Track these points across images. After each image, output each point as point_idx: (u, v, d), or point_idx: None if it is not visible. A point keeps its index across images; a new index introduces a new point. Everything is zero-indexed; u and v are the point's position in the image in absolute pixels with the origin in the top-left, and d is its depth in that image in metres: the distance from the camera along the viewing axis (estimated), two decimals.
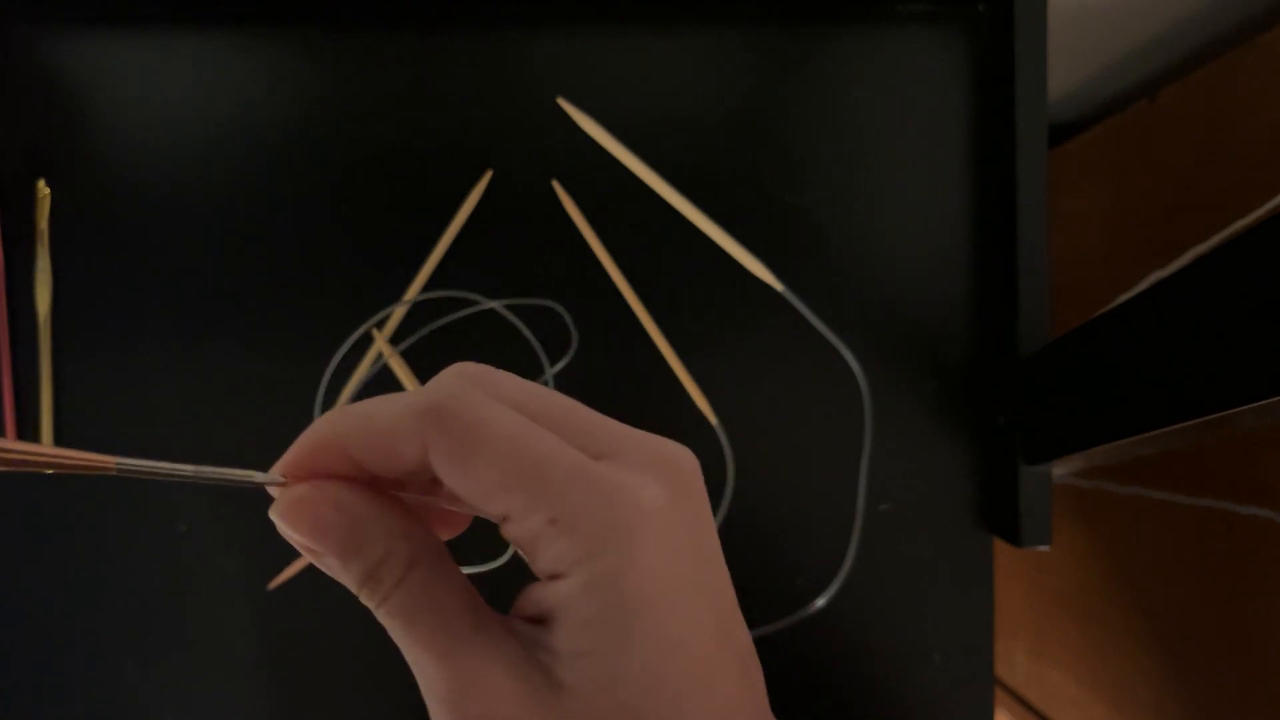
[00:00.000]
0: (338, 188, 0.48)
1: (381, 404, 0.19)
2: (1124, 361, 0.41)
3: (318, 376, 0.47)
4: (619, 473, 0.18)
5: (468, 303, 0.47)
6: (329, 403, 0.46)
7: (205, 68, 0.47)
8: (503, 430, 0.18)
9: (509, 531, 0.18)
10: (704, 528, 0.20)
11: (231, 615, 0.46)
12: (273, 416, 0.47)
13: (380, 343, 0.47)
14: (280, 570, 0.46)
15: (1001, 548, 0.49)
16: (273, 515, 0.20)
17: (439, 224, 0.47)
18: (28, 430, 0.46)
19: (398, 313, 0.47)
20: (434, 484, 0.20)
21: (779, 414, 0.48)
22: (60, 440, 0.46)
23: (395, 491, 0.21)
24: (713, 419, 0.48)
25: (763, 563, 0.48)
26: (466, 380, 0.20)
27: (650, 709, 0.18)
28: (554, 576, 0.18)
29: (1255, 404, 0.33)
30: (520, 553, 0.19)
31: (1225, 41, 0.60)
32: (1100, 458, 0.58)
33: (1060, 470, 0.62)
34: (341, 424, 0.19)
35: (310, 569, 0.46)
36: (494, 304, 0.47)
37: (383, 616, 0.19)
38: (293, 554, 0.46)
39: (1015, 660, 0.73)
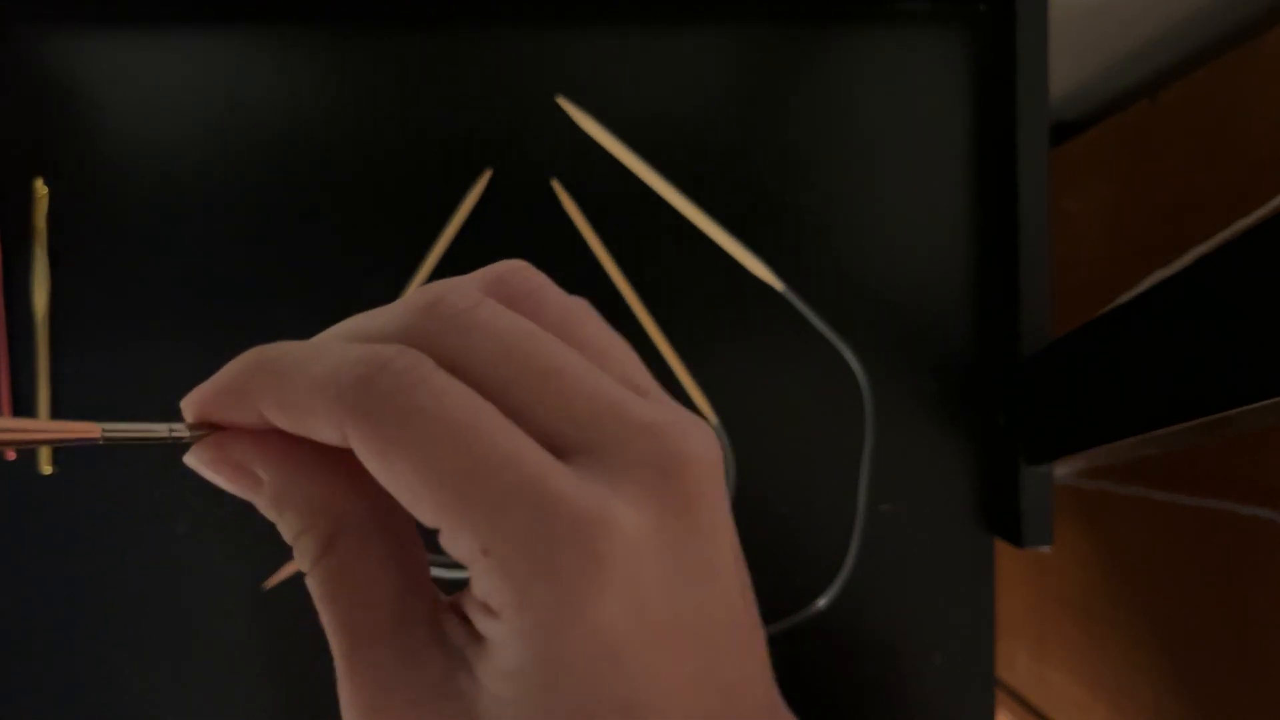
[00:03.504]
0: (336, 187, 0.48)
1: (301, 369, 0.15)
2: (1125, 361, 0.41)
3: None
4: (586, 488, 0.15)
5: None
6: None
7: (204, 67, 0.47)
8: (438, 424, 0.14)
9: (443, 545, 0.15)
10: (701, 550, 0.16)
11: (230, 615, 0.46)
12: None
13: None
14: (279, 570, 0.46)
15: (1003, 548, 0.49)
16: (188, 463, 0.17)
17: (438, 223, 0.47)
18: None
19: None
20: None
21: (779, 414, 0.48)
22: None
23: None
24: (713, 419, 0.48)
25: (763, 563, 0.48)
26: (430, 324, 0.16)
27: None
28: (487, 610, 0.15)
29: (1257, 404, 0.33)
30: None
31: (1227, 41, 0.60)
32: (1102, 458, 0.58)
33: (1062, 470, 0.62)
34: (257, 378, 0.16)
35: None
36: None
37: (309, 587, 0.17)
38: (288, 555, 0.45)
39: (1016, 661, 0.73)
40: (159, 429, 0.17)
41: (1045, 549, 0.47)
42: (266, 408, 0.16)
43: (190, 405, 0.17)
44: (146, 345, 0.46)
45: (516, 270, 0.18)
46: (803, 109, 0.49)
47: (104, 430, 0.16)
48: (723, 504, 0.17)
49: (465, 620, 0.16)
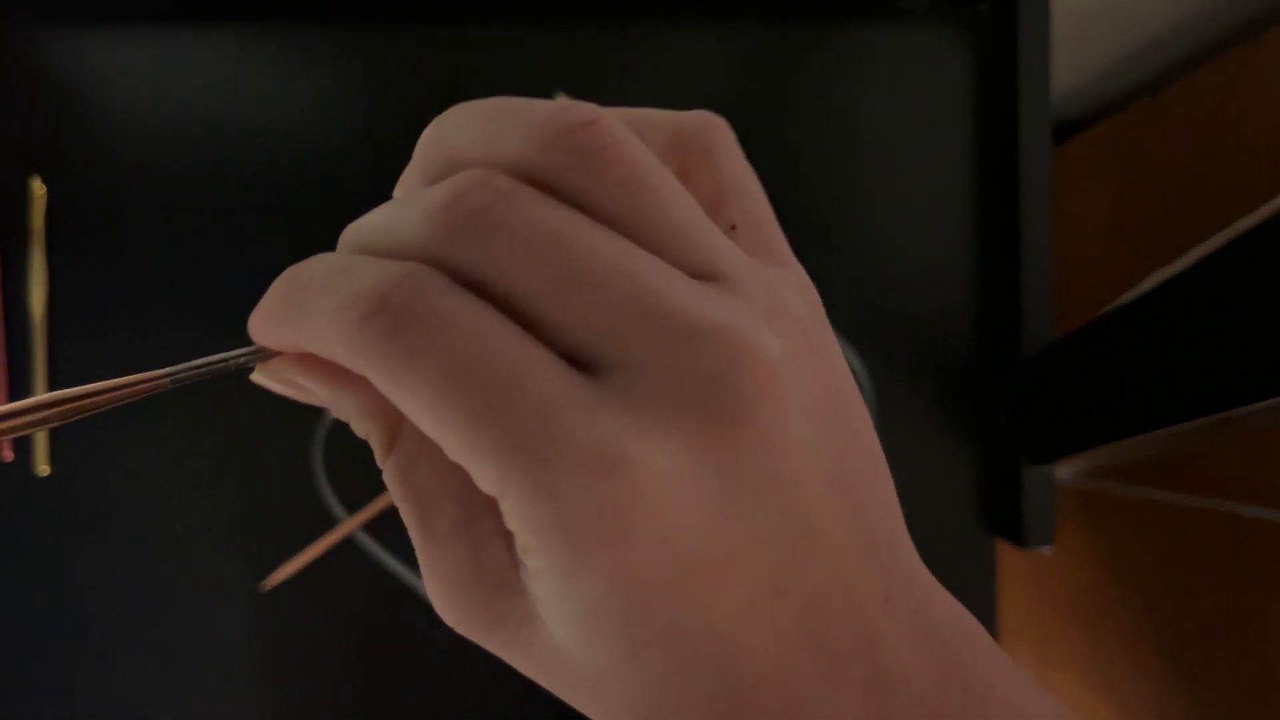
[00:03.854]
0: (336, 185, 0.47)
1: (322, 293, 0.15)
2: (1127, 361, 0.41)
3: None
4: (606, 420, 0.13)
5: None
6: None
7: (202, 66, 0.47)
8: (439, 367, 0.13)
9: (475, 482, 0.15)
10: (751, 465, 0.14)
11: (230, 615, 0.46)
12: (270, 416, 0.46)
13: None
14: (276, 572, 0.46)
15: (1004, 548, 0.49)
16: (255, 380, 0.17)
17: None
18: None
19: None
20: None
21: None
22: (55, 443, 0.45)
23: None
24: None
25: None
26: (446, 229, 0.15)
27: (633, 686, 0.15)
28: (524, 550, 0.15)
29: (1259, 404, 0.32)
30: None
31: (1228, 40, 0.60)
32: (1104, 458, 0.58)
33: (1064, 471, 0.62)
34: (283, 307, 0.16)
35: (308, 573, 0.46)
36: None
37: (385, 480, 0.17)
38: (286, 555, 0.45)
39: (1018, 662, 0.73)
40: (218, 359, 0.17)
41: (1047, 549, 0.47)
42: (295, 340, 0.16)
43: (253, 326, 0.17)
44: (144, 344, 0.46)
45: (583, 125, 0.15)
46: (803, 108, 0.49)
47: (170, 375, 0.17)
48: (787, 411, 0.14)
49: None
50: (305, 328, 0.15)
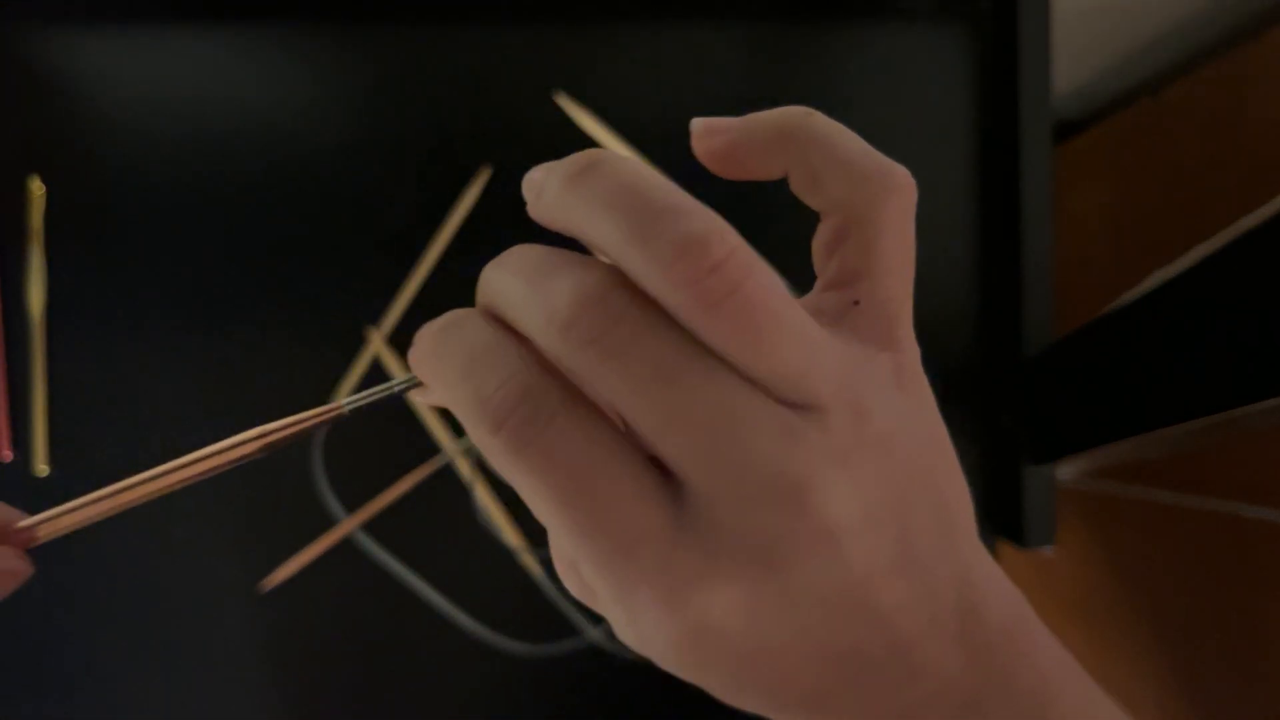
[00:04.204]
0: (335, 184, 0.47)
1: (461, 373, 0.17)
2: (1128, 361, 0.41)
3: (313, 374, 0.46)
4: (678, 564, 0.16)
5: (468, 303, 0.47)
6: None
7: (202, 66, 0.47)
8: (548, 484, 0.16)
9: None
10: (799, 602, 0.17)
11: (230, 615, 0.46)
12: (268, 414, 0.46)
13: (377, 342, 0.46)
14: (276, 572, 0.46)
15: (1005, 549, 0.49)
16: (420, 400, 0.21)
17: (437, 219, 0.47)
18: (21, 431, 0.45)
19: (396, 310, 0.47)
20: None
21: None
22: (52, 442, 0.45)
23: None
24: None
25: None
26: (564, 346, 0.17)
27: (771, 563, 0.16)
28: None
29: (1260, 404, 0.32)
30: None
31: (1228, 40, 0.59)
32: (1104, 458, 0.58)
33: (1064, 471, 0.62)
34: (425, 362, 0.19)
35: (308, 573, 0.45)
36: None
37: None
38: (286, 555, 0.45)
39: None
40: (389, 386, 0.20)
41: (1048, 550, 0.47)
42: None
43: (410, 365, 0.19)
44: (142, 344, 0.46)
45: (714, 268, 0.16)
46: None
47: (347, 404, 0.20)
48: (846, 536, 0.16)
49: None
50: (446, 402, 0.18)
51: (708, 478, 0.16)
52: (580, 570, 0.17)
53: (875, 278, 0.20)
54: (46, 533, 0.21)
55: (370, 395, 0.20)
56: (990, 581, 0.20)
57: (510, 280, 0.18)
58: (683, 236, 0.16)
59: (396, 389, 0.20)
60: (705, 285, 0.16)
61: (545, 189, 0.19)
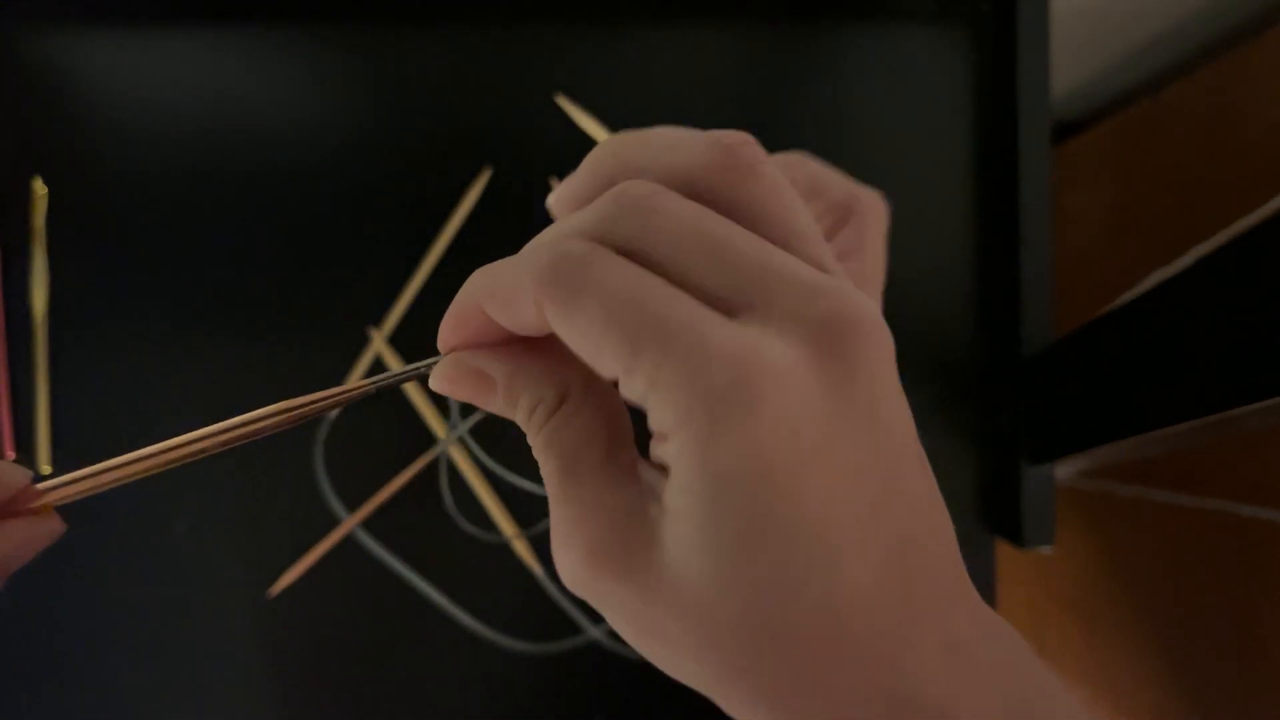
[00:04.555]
0: (336, 185, 0.47)
1: (509, 266, 0.19)
2: (1127, 361, 0.41)
3: (314, 374, 0.46)
4: (741, 331, 0.17)
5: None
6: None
7: (203, 66, 0.47)
8: (610, 291, 0.17)
9: (622, 392, 0.18)
10: (862, 398, 0.17)
11: (230, 616, 0.46)
12: None
13: (378, 342, 0.46)
14: (278, 571, 0.46)
15: (1003, 548, 0.49)
16: (432, 387, 0.21)
17: (438, 220, 0.47)
18: (23, 430, 0.45)
19: (397, 310, 0.47)
20: None
21: None
22: (55, 441, 0.45)
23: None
24: None
25: None
26: (614, 211, 0.19)
27: (735, 586, 0.16)
28: (660, 437, 0.17)
29: (1259, 404, 0.32)
30: None
31: (1228, 40, 0.60)
32: (1103, 458, 0.58)
33: (1063, 471, 0.62)
34: (477, 285, 0.20)
35: (310, 573, 0.46)
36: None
37: (534, 448, 0.20)
38: (291, 557, 0.45)
39: None
40: (415, 366, 0.21)
41: (1046, 549, 0.47)
42: (488, 307, 0.19)
43: (441, 331, 0.21)
44: (145, 344, 0.46)
45: (743, 142, 0.20)
46: (803, 108, 0.49)
47: (375, 382, 0.21)
48: (888, 369, 0.18)
49: (656, 466, 0.19)
50: (495, 289, 0.19)
51: (757, 292, 0.17)
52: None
53: (865, 256, 0.23)
54: (57, 498, 0.22)
55: (397, 376, 0.21)
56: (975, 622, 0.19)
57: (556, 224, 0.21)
58: (713, 134, 0.19)
59: (424, 369, 0.21)
60: (740, 153, 0.19)
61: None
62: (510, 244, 0.47)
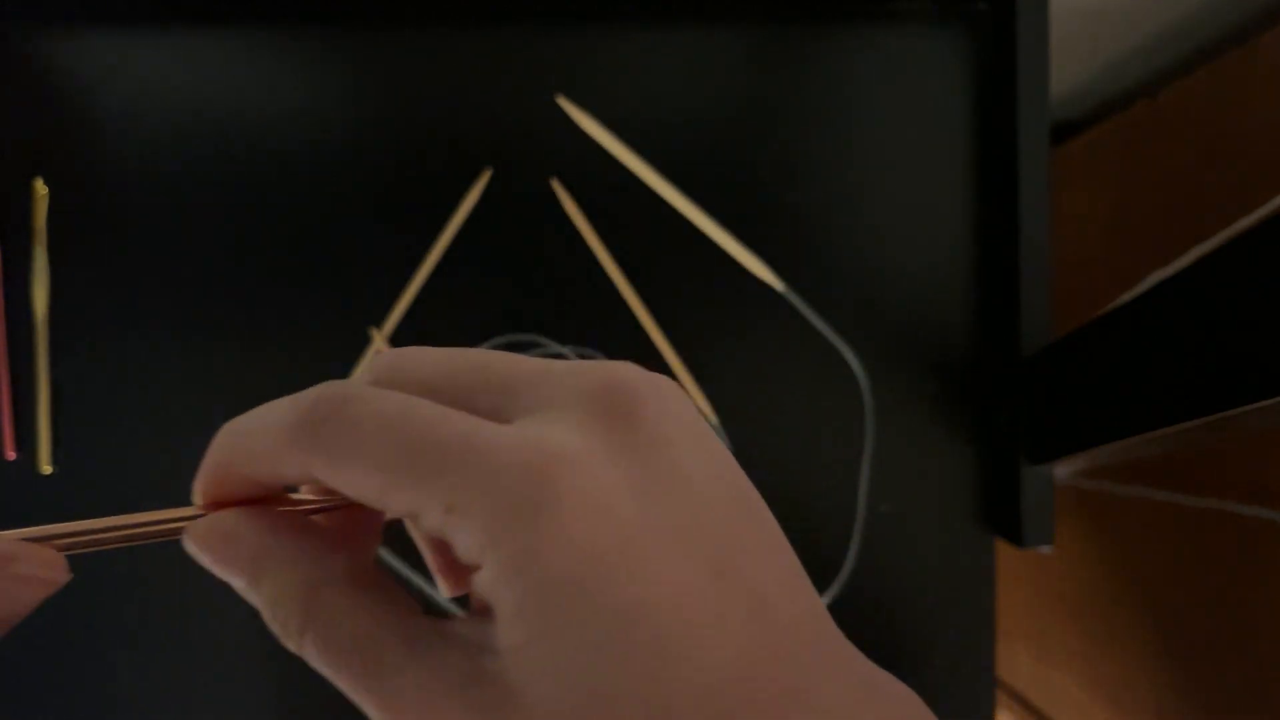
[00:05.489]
0: (336, 186, 0.48)
1: (259, 419, 0.17)
2: (1126, 361, 0.41)
3: (315, 375, 0.46)
4: (525, 429, 0.16)
5: (468, 304, 0.47)
6: None
7: (204, 66, 0.47)
8: (375, 423, 0.16)
9: (420, 532, 0.17)
10: (659, 453, 0.16)
11: (230, 614, 0.46)
12: None
13: (379, 342, 0.46)
14: None
15: (1003, 548, 0.49)
16: (186, 549, 0.19)
17: (439, 222, 0.47)
18: (25, 430, 0.45)
19: (397, 311, 0.47)
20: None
21: (779, 414, 0.48)
22: (56, 441, 0.46)
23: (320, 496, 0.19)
24: (713, 419, 0.48)
25: None
26: (372, 372, 0.18)
27: (611, 695, 0.14)
28: (474, 567, 0.16)
29: (1258, 404, 0.32)
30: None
31: (1227, 41, 0.60)
32: (1103, 458, 0.58)
33: (1062, 471, 0.62)
34: (225, 448, 0.18)
35: None
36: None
37: (308, 658, 0.17)
38: None
39: (1017, 662, 0.73)
40: (168, 517, 0.19)
41: (1046, 549, 0.47)
42: (244, 470, 0.18)
43: (195, 487, 0.19)
44: (146, 345, 0.46)
45: (379, 357, 0.19)
46: (803, 108, 0.49)
47: (111, 529, 0.19)
48: (679, 419, 0.17)
49: (469, 619, 0.17)
50: (252, 445, 0.17)
51: (525, 398, 0.17)
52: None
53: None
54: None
55: (145, 526, 0.19)
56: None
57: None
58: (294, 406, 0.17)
59: (177, 522, 0.19)
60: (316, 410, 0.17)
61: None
62: (510, 245, 0.47)
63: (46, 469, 0.45)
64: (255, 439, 0.17)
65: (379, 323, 0.47)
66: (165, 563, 0.46)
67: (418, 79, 0.48)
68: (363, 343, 0.47)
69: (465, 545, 0.15)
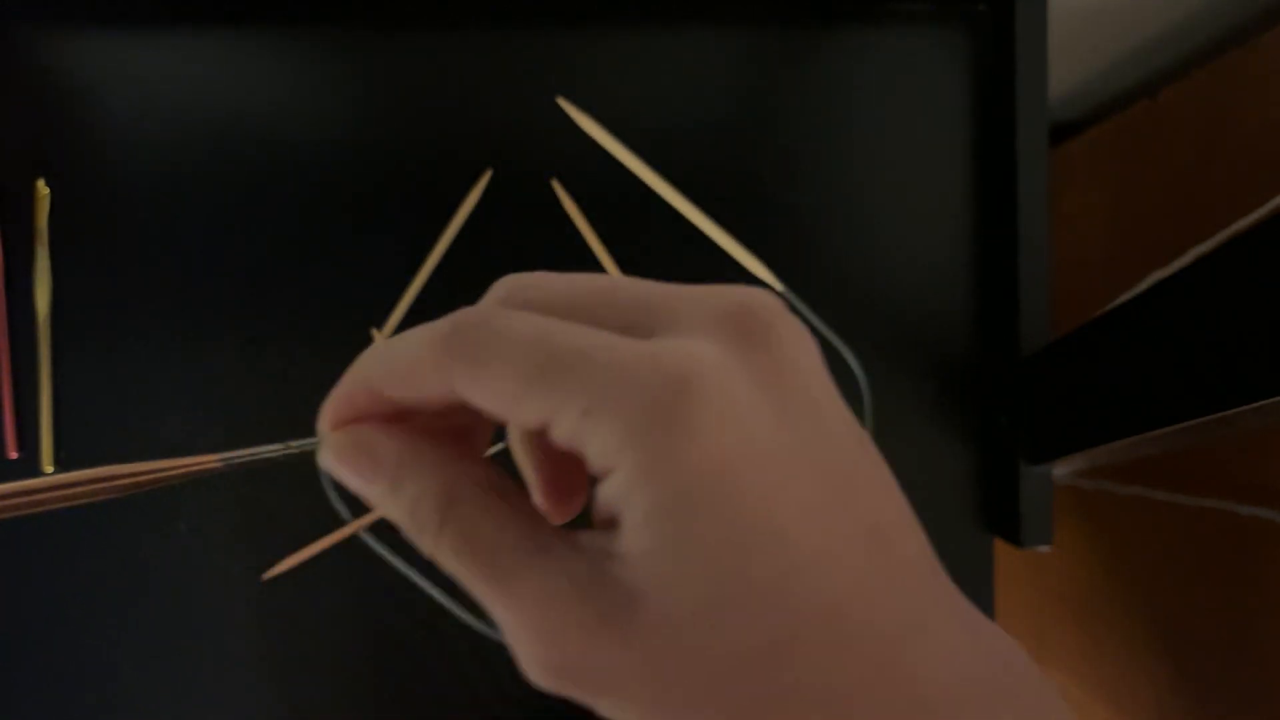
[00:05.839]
0: (337, 186, 0.48)
1: (403, 340, 0.18)
2: (1125, 361, 0.41)
3: (315, 375, 0.46)
4: (664, 343, 0.16)
5: (469, 304, 0.47)
6: None
7: (204, 67, 0.47)
8: (517, 335, 0.16)
9: (556, 441, 0.16)
10: (792, 377, 0.16)
11: (231, 615, 0.46)
12: (272, 415, 0.46)
13: (379, 342, 0.47)
14: (279, 564, 0.46)
15: (1002, 548, 0.49)
16: (321, 464, 0.19)
17: (439, 222, 0.47)
18: (27, 429, 0.46)
19: (398, 311, 0.47)
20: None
21: None
22: (58, 441, 0.46)
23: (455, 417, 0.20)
24: None
25: None
26: (499, 295, 0.19)
27: (734, 606, 0.15)
28: (605, 473, 0.16)
29: (1256, 404, 0.33)
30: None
31: (1226, 41, 0.60)
32: (1102, 458, 0.58)
33: (1061, 470, 0.62)
34: (369, 367, 0.19)
35: (307, 564, 0.46)
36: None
37: (440, 562, 0.18)
38: (290, 550, 0.46)
39: None
40: (282, 446, 0.20)
41: (1045, 549, 0.47)
42: (384, 386, 0.18)
43: (325, 411, 0.19)
44: (148, 345, 0.46)
45: (507, 278, 0.20)
46: (802, 109, 0.49)
47: (224, 459, 0.19)
48: (806, 348, 0.17)
49: (599, 528, 0.17)
50: (396, 362, 0.18)
51: (660, 313, 0.17)
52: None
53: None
54: None
55: (259, 453, 0.20)
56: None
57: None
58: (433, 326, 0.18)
59: (294, 449, 0.20)
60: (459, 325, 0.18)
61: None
62: (510, 245, 0.47)
63: (49, 468, 0.45)
64: (400, 355, 0.18)
65: (379, 323, 0.47)
66: (166, 563, 0.46)
67: (418, 80, 0.48)
68: (363, 343, 0.47)
69: (599, 449, 0.16)
